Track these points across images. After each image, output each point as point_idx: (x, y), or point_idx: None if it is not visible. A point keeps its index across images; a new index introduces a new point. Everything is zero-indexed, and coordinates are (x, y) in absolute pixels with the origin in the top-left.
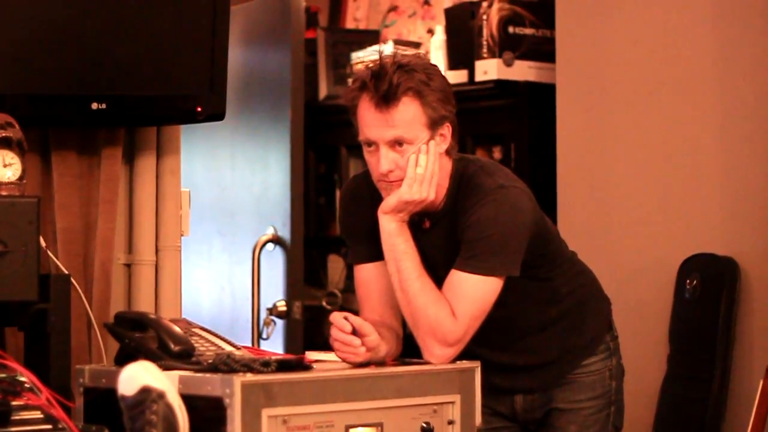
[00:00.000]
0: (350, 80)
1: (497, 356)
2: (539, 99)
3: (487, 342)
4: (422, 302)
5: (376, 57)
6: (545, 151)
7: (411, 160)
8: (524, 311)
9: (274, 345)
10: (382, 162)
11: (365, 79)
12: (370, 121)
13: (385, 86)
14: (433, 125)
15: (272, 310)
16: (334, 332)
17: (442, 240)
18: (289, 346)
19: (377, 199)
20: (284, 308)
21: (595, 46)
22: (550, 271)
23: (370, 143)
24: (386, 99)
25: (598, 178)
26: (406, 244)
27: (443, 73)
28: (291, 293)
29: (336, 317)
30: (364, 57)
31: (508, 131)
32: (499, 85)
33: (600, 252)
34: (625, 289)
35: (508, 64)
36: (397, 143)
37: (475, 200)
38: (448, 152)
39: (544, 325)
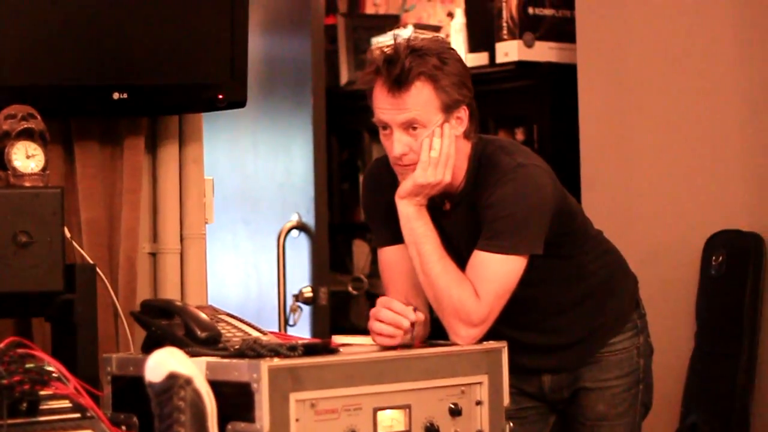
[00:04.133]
0: (366, 65)
1: (524, 336)
2: (560, 80)
3: (513, 322)
4: (444, 284)
5: (392, 41)
6: (567, 132)
7: (425, 143)
8: (550, 290)
9: (301, 331)
10: (395, 146)
11: (378, 64)
12: (383, 105)
13: (397, 70)
14: (447, 109)
15: (298, 297)
16: (383, 313)
17: (464, 221)
18: (315, 332)
19: (398, 182)
20: (310, 294)
21: (616, 25)
22: (575, 249)
23: (384, 126)
24: (398, 83)
25: (621, 157)
26: (426, 227)
27: (463, 56)
28: (317, 279)
29: (395, 303)
30: (384, 42)
31: (530, 113)
32: (520, 66)
33: (625, 230)
34: (650, 267)
35: (529, 45)
36: (410, 127)
37: (494, 180)
38: (466, 135)
39: (570, 304)
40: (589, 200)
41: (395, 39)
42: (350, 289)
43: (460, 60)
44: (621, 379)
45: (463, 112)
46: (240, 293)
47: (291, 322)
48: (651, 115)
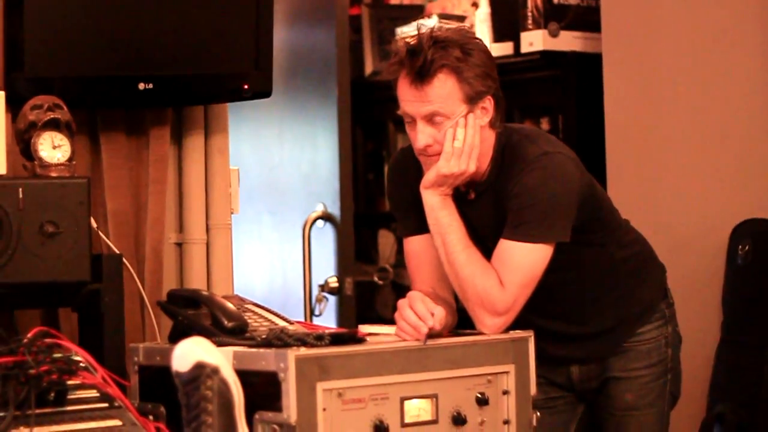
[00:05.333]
0: (391, 56)
1: (553, 325)
2: (586, 69)
3: (542, 311)
4: (469, 273)
5: (416, 32)
6: (593, 121)
7: (448, 134)
8: (578, 279)
9: (327, 321)
10: (418, 137)
11: (402, 55)
12: (407, 97)
13: (420, 62)
14: (471, 100)
15: (324, 287)
16: (407, 313)
17: (489, 211)
18: (341, 322)
19: (424, 172)
20: (336, 284)
21: (641, 14)
22: (602, 238)
23: (409, 117)
24: (421, 75)
25: (647, 146)
26: (450, 217)
27: (488, 46)
28: (342, 269)
29: (419, 304)
30: (408, 32)
31: (555, 102)
32: (545, 56)
33: (651, 220)
34: (676, 257)
35: (554, 34)
36: (433, 118)
37: (519, 169)
38: (492, 124)
39: (598, 293)
40: (615, 190)
41: (419, 30)
42: (376, 279)
43: (485, 50)
44: (649, 369)
45: (488, 103)
46: (265, 284)
47: (316, 312)
48: (676, 104)
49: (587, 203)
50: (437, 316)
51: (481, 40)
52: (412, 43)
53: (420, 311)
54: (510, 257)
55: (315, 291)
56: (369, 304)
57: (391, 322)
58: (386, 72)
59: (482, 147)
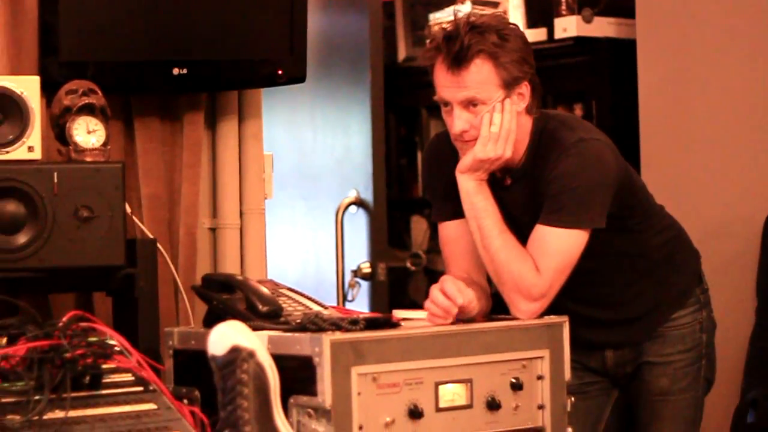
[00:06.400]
0: (427, 41)
1: (587, 311)
2: (619, 55)
3: (576, 296)
4: (505, 258)
5: (453, 18)
6: (627, 107)
7: (485, 119)
8: (613, 265)
9: (360, 307)
10: (455, 122)
11: (439, 41)
12: (444, 82)
13: (457, 48)
14: (508, 85)
15: (357, 272)
16: (436, 294)
17: (525, 197)
18: (374, 308)
19: (459, 157)
20: (369, 270)
21: None
22: (638, 224)
23: (445, 103)
24: (458, 61)
25: (681, 133)
26: (486, 202)
27: (522, 31)
28: (375, 255)
29: (448, 284)
30: (441, 18)
31: (589, 88)
32: (579, 42)
33: (685, 206)
34: (710, 242)
35: (588, 20)
36: (470, 104)
37: (556, 155)
38: (528, 110)
39: (633, 279)
40: (649, 176)
41: (455, 15)
42: (408, 265)
43: (521, 36)
44: (684, 354)
45: (525, 88)
46: (298, 269)
47: (349, 297)
48: (711, 90)
49: (623, 189)
50: (467, 297)
51: (517, 25)
52: (448, 29)
53: (450, 291)
54: (546, 243)
55: (348, 276)
56: (402, 290)
57: (424, 307)
58: (422, 58)
59: (519, 133)
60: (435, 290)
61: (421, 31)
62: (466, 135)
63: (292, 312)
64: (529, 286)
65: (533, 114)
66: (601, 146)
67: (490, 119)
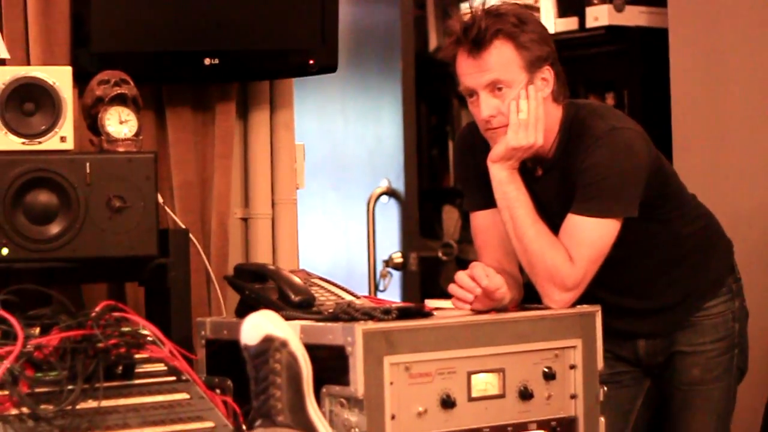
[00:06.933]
0: (447, 36)
1: (619, 300)
2: (651, 44)
3: (608, 286)
4: (538, 248)
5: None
6: (658, 97)
7: (512, 106)
8: (645, 254)
9: (391, 297)
10: (482, 108)
11: (457, 32)
12: (466, 70)
13: (475, 32)
14: (531, 67)
15: (388, 262)
16: (460, 276)
17: (556, 187)
18: (406, 298)
19: (490, 146)
20: (400, 260)
21: None
22: (669, 212)
23: (470, 93)
24: (477, 44)
25: (713, 121)
26: (518, 192)
27: (553, 21)
28: (407, 245)
29: (477, 268)
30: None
31: (620, 77)
32: (611, 31)
33: (717, 195)
34: (743, 232)
35: (619, 9)
36: (495, 88)
37: (587, 144)
38: (555, 97)
39: (665, 268)
40: (681, 165)
41: (470, 4)
42: (440, 254)
43: (539, 21)
44: (716, 343)
45: (548, 73)
46: (329, 259)
47: (381, 287)
48: (743, 79)
49: (655, 178)
50: (496, 282)
51: (531, 13)
52: (465, 19)
53: (477, 274)
54: (579, 232)
55: (379, 266)
56: (433, 280)
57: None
58: (444, 53)
59: (548, 122)
60: (461, 273)
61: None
62: (494, 121)
63: (325, 302)
64: (562, 276)
65: (560, 102)
66: (633, 135)
67: (517, 106)
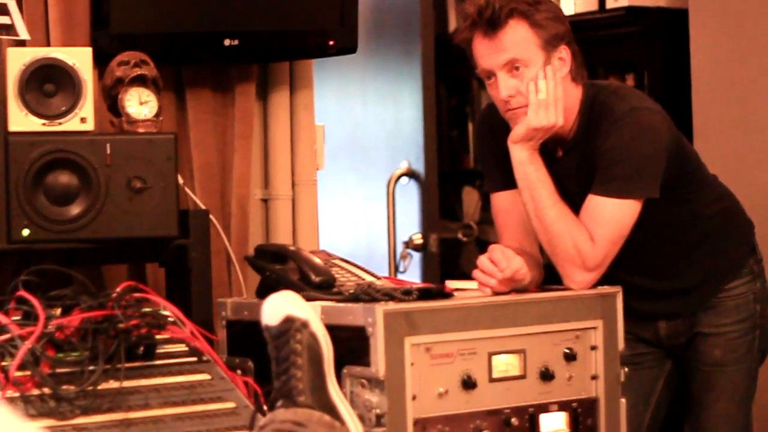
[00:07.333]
0: (462, 22)
1: (640, 281)
2: (672, 25)
3: (629, 267)
4: (559, 229)
5: None
6: (679, 77)
7: (531, 87)
8: (665, 234)
9: (411, 278)
10: (500, 88)
11: (472, 15)
12: (483, 51)
13: (489, 12)
14: (547, 45)
15: (408, 244)
16: (482, 261)
17: (577, 168)
18: (426, 279)
19: (510, 127)
20: (420, 241)
21: None
22: (690, 193)
23: (488, 75)
24: (492, 24)
25: (734, 102)
26: (539, 172)
27: (573, 2)
28: (427, 226)
29: (496, 252)
30: None
31: (640, 59)
32: (631, 11)
33: (739, 176)
34: (764, 213)
35: None
36: (512, 68)
37: (608, 125)
38: (573, 77)
39: (686, 249)
40: (702, 146)
41: None
42: (460, 236)
43: (552, 2)
44: (737, 325)
45: (565, 52)
46: (349, 240)
47: (401, 269)
48: (764, 59)
49: (676, 159)
50: (516, 264)
51: None
52: (479, 2)
53: (496, 258)
54: (600, 213)
55: (399, 248)
56: (453, 261)
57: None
58: (460, 36)
59: (568, 102)
60: (482, 258)
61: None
62: (513, 101)
63: (345, 282)
64: (583, 257)
65: (579, 82)
66: (654, 115)
67: (535, 86)
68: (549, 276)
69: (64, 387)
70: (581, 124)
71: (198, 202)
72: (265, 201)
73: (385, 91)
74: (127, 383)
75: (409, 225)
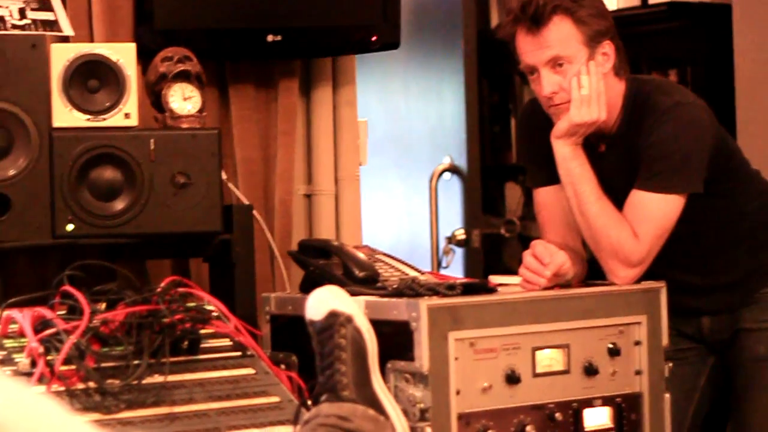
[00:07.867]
0: (505, 17)
1: (683, 276)
2: (715, 20)
3: (672, 262)
4: (603, 224)
5: None
6: (722, 73)
7: (573, 82)
8: (709, 230)
9: (454, 273)
10: (543, 85)
11: (515, 10)
12: (526, 48)
13: (533, 9)
14: (590, 42)
15: (451, 239)
16: (528, 259)
17: (619, 163)
18: (469, 275)
19: (553, 122)
20: (463, 237)
21: None
22: (733, 188)
23: (531, 71)
24: (536, 21)
25: None
26: (582, 168)
27: None
28: (469, 222)
29: (539, 247)
30: None
31: (683, 54)
32: (673, 7)
33: None
34: None
35: None
36: (555, 64)
37: (652, 120)
38: (616, 72)
39: (729, 244)
40: (745, 141)
41: None
42: (503, 231)
43: None
44: None
45: (608, 47)
46: (392, 236)
47: (444, 264)
48: None
49: (719, 154)
50: (559, 260)
51: None
52: None
53: (539, 253)
54: (643, 208)
55: (442, 243)
56: (496, 257)
57: (518, 273)
58: (503, 32)
59: (610, 97)
60: (527, 255)
61: None
62: (556, 98)
63: (389, 277)
64: (627, 252)
65: (621, 77)
66: (698, 110)
67: (578, 82)
68: (593, 272)
69: (109, 381)
70: (624, 119)
71: (241, 197)
72: (308, 196)
73: (427, 87)
74: (171, 378)
75: (452, 220)
